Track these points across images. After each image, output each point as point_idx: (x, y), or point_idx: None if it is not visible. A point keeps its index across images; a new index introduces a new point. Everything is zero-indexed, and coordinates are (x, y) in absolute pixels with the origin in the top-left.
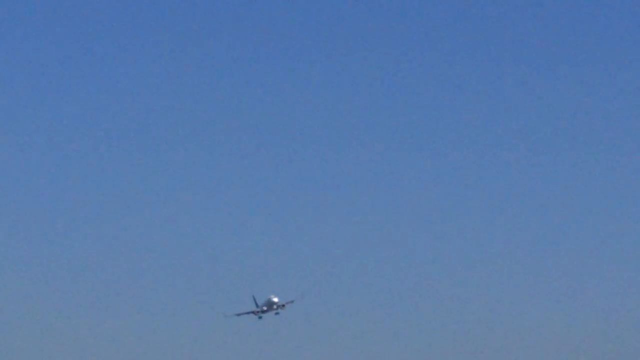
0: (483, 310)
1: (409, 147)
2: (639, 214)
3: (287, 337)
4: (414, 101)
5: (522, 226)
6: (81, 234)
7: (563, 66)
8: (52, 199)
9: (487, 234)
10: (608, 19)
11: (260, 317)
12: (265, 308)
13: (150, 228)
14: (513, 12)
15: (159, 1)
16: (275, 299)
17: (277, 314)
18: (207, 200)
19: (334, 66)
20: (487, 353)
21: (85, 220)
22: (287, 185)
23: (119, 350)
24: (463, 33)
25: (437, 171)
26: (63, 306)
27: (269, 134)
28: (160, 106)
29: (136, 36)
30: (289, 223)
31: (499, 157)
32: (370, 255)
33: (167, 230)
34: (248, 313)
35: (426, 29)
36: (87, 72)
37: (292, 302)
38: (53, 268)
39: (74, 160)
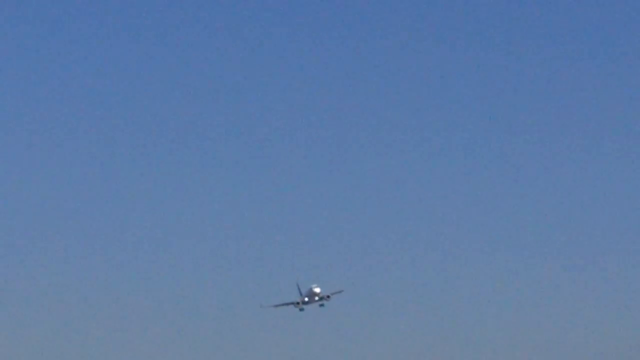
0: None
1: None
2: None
3: (332, 333)
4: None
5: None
6: (118, 219)
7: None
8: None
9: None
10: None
11: (301, 309)
12: (306, 299)
13: (187, 213)
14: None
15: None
16: (317, 289)
17: (321, 305)
18: (247, 183)
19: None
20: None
21: (121, 205)
22: (334, 169)
23: (152, 342)
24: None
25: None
26: (96, 292)
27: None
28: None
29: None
30: (339, 210)
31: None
32: (423, 246)
33: (205, 215)
34: (288, 304)
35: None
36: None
37: (340, 292)
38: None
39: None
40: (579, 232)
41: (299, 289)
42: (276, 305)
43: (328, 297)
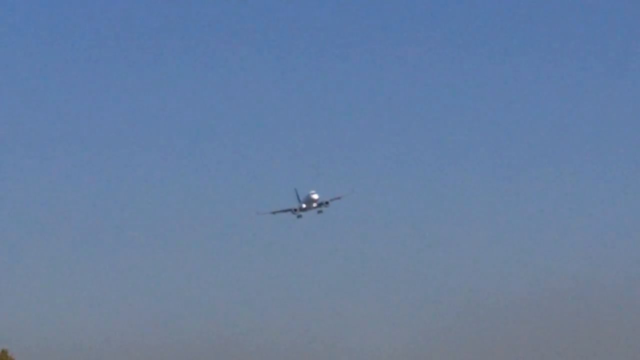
0: None
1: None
2: None
3: (329, 240)
4: None
5: None
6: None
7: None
8: None
9: None
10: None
11: (299, 216)
12: (304, 206)
13: (186, 117)
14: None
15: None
16: (315, 196)
17: (320, 212)
18: (247, 87)
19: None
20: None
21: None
22: (334, 77)
23: (150, 248)
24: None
25: None
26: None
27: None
28: None
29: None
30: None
31: None
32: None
33: (204, 119)
34: (285, 211)
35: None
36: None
37: (338, 198)
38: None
39: None
40: None
41: (297, 195)
42: (274, 212)
43: (327, 203)
